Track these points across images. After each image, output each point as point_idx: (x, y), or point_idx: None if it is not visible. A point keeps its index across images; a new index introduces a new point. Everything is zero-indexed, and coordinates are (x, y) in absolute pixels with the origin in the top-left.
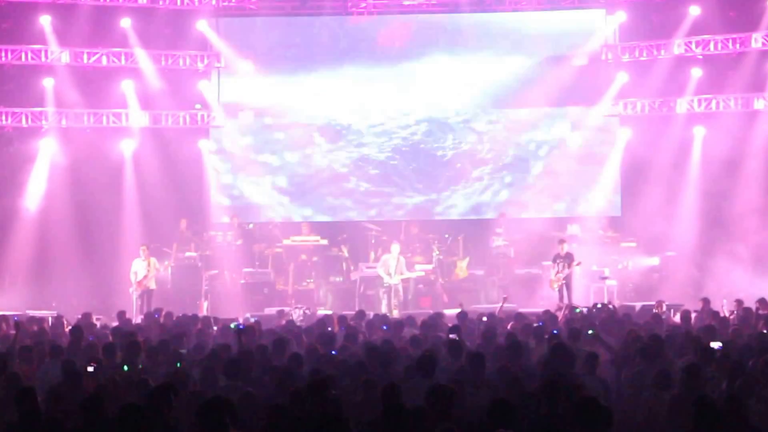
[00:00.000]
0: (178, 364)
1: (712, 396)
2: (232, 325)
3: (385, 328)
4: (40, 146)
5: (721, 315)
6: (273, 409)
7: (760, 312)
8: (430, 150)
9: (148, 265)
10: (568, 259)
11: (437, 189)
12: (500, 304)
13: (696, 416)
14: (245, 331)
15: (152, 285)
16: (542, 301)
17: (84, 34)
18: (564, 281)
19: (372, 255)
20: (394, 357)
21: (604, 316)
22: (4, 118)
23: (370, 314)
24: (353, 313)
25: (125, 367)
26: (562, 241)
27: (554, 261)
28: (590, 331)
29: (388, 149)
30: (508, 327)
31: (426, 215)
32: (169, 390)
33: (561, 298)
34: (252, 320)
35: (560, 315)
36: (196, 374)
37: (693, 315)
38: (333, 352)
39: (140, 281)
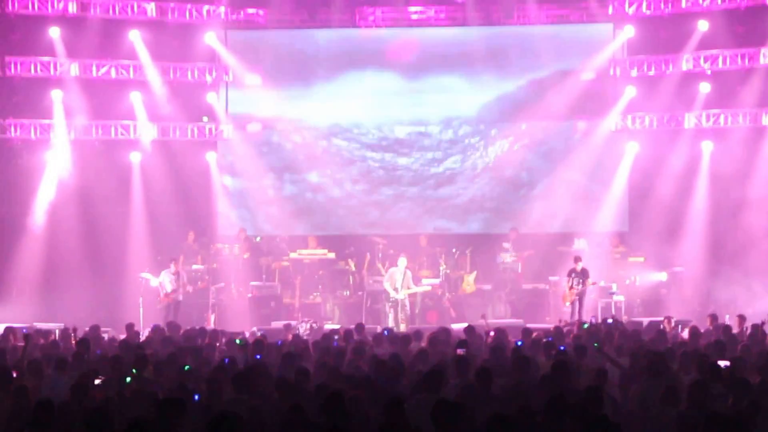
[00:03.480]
0: (186, 367)
1: (720, 413)
2: (238, 341)
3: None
4: (49, 158)
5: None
6: (284, 424)
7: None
8: (437, 162)
9: (178, 278)
10: (583, 275)
11: (444, 202)
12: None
13: None
14: (250, 346)
15: (179, 298)
16: (548, 316)
17: (93, 46)
18: (577, 297)
19: (380, 267)
20: (401, 372)
21: (612, 332)
22: (12, 129)
23: (377, 328)
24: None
25: (128, 379)
26: (577, 258)
27: (569, 276)
28: (595, 344)
29: (395, 161)
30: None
31: (433, 229)
32: (177, 404)
33: (573, 314)
34: (258, 334)
35: (568, 331)
36: (203, 388)
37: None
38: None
39: (168, 293)
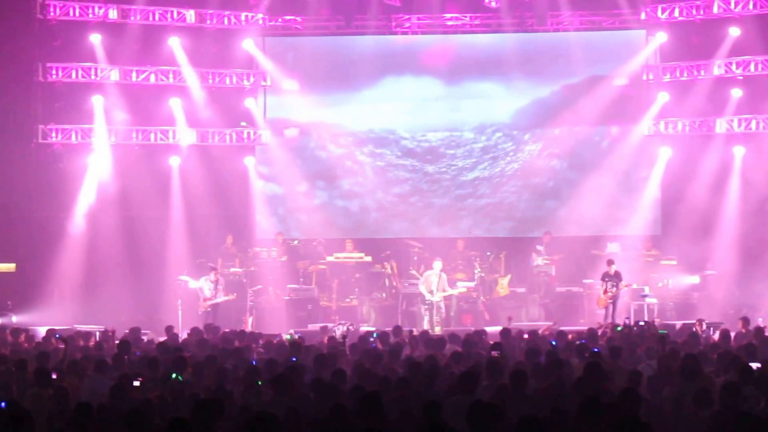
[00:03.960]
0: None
1: (752, 414)
2: (287, 336)
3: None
4: (89, 162)
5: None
6: (320, 424)
7: None
8: (471, 167)
9: (217, 284)
10: (617, 278)
11: (479, 206)
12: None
13: None
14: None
15: (220, 299)
16: (582, 318)
17: (133, 52)
18: (611, 300)
19: (414, 271)
20: (436, 374)
21: (646, 335)
22: (54, 134)
23: (413, 330)
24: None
25: (175, 376)
26: (610, 262)
27: (603, 280)
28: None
29: (430, 167)
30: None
31: (468, 232)
32: (215, 404)
33: (606, 316)
34: (296, 336)
35: (602, 333)
36: (241, 389)
37: (733, 334)
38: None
39: (207, 298)
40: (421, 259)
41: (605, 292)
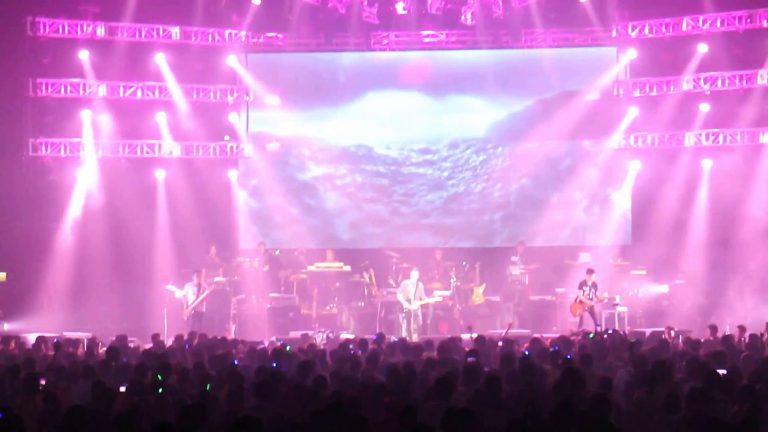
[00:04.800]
0: (208, 387)
1: (720, 419)
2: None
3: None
4: (78, 175)
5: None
6: (301, 429)
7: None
8: (448, 180)
9: (200, 290)
10: (595, 287)
11: (456, 217)
12: (505, 330)
13: None
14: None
15: (202, 308)
16: (555, 326)
17: (120, 68)
18: (587, 310)
19: (391, 281)
20: (414, 380)
21: (616, 342)
22: (44, 148)
23: (391, 338)
24: (374, 336)
25: (159, 377)
26: (590, 271)
27: (580, 288)
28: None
29: (408, 180)
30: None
31: (444, 242)
32: (199, 409)
33: (580, 324)
34: (278, 343)
35: (575, 340)
36: (224, 395)
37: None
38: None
39: (191, 304)
40: (399, 269)
41: (579, 301)
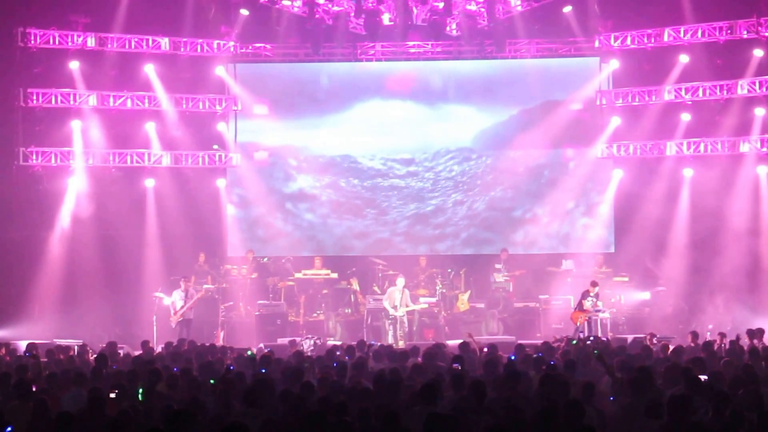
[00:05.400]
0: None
1: (701, 424)
2: (249, 353)
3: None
4: (69, 184)
5: (714, 347)
6: None
7: (755, 343)
8: (433, 188)
9: (186, 296)
10: (596, 298)
11: (441, 225)
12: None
13: None
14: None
15: (190, 315)
16: (539, 333)
17: (110, 78)
18: (587, 319)
19: (376, 288)
20: (400, 386)
21: (599, 348)
22: (34, 157)
23: (376, 344)
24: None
25: (140, 391)
26: (594, 284)
27: (583, 297)
28: (596, 351)
29: (394, 188)
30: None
31: (429, 250)
32: (187, 415)
33: (576, 332)
34: (265, 350)
35: (558, 346)
36: (212, 401)
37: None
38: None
39: (178, 311)
40: (385, 276)
41: (583, 309)
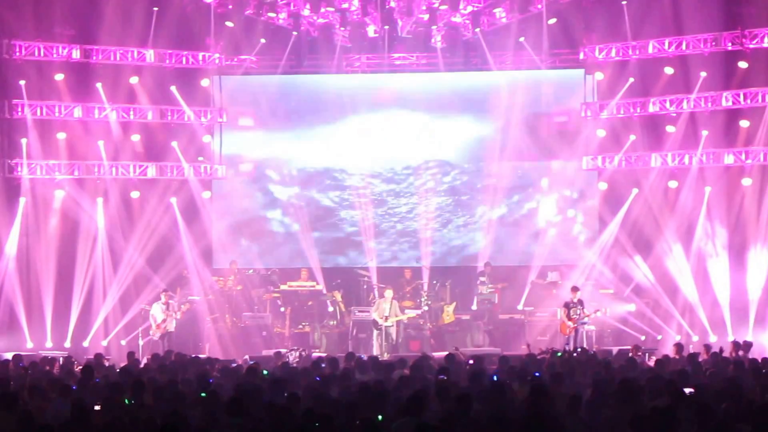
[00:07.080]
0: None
1: None
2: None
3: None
4: (54, 195)
5: (699, 359)
6: None
7: (741, 354)
8: (418, 201)
9: (167, 308)
10: (580, 305)
11: (426, 238)
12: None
13: None
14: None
15: (171, 327)
16: (524, 345)
17: (95, 90)
18: (575, 327)
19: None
20: (386, 397)
21: (584, 360)
22: (19, 169)
23: (363, 356)
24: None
25: (126, 402)
26: (575, 289)
27: (566, 307)
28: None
29: (380, 200)
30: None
31: (415, 261)
32: (174, 428)
33: (567, 342)
34: (251, 362)
35: (542, 358)
36: (197, 413)
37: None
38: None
39: (159, 324)
40: (370, 288)
41: (569, 318)
